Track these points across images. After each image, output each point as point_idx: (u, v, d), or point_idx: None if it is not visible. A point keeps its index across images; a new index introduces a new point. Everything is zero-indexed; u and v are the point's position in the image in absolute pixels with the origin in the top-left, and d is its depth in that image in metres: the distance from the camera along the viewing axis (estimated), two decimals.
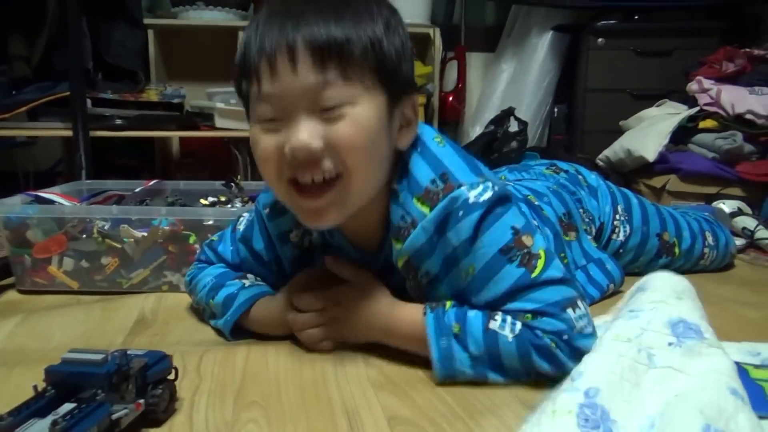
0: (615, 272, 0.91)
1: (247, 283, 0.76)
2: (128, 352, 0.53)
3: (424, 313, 0.62)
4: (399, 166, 0.65)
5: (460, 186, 0.61)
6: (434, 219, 0.61)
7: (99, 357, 0.50)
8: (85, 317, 0.84)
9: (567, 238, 0.88)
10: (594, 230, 0.97)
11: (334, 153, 0.58)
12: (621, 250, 1.00)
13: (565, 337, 0.58)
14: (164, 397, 0.53)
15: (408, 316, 0.64)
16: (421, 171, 0.64)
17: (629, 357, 0.51)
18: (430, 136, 0.67)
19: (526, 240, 0.62)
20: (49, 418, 0.45)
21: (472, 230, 0.61)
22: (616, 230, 0.99)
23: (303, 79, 0.56)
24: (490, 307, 0.61)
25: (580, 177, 1.01)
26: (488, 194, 0.61)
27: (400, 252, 0.65)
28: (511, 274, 0.60)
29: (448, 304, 0.64)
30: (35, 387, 0.49)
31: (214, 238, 0.84)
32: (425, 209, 0.62)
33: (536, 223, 0.80)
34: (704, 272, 1.08)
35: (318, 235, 0.73)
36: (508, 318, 0.60)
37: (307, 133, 0.57)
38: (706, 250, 1.06)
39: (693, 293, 0.61)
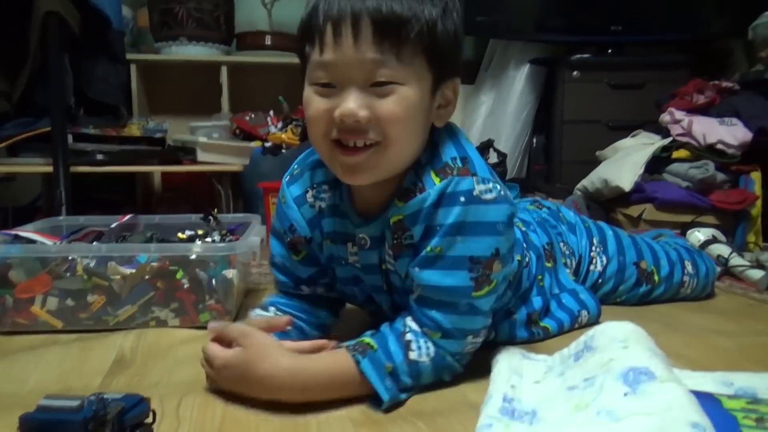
0: (589, 302, 0.93)
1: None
2: (105, 397, 0.52)
3: (357, 361, 0.64)
4: (429, 144, 0.70)
5: (473, 175, 0.66)
6: (439, 189, 0.66)
7: (75, 404, 0.49)
8: (62, 358, 0.82)
9: (547, 265, 0.92)
10: (574, 263, 1.00)
11: (377, 124, 0.63)
12: (600, 280, 1.03)
13: (458, 357, 0.70)
14: None
15: (329, 366, 0.65)
16: (447, 150, 0.69)
17: (591, 422, 0.53)
18: (462, 133, 0.73)
19: (496, 266, 0.68)
20: None
21: (461, 220, 0.65)
22: (593, 261, 1.02)
23: (362, 53, 0.61)
24: (421, 291, 0.68)
25: (560, 214, 1.06)
26: (490, 195, 0.66)
27: (399, 210, 0.69)
28: (461, 278, 0.66)
29: (369, 342, 0.66)
30: None
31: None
32: (437, 181, 0.67)
33: (524, 246, 0.86)
34: (686, 301, 1.10)
35: (329, 197, 0.76)
36: (422, 341, 0.67)
37: (356, 103, 0.62)
38: (686, 278, 1.09)
39: (637, 335, 0.65)
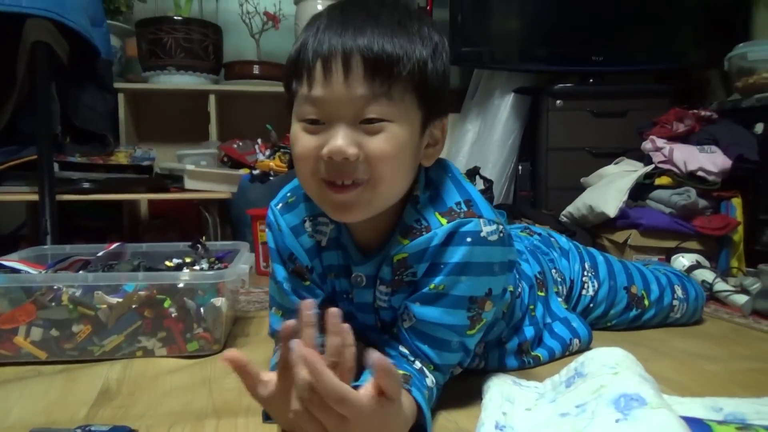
0: (581, 329, 0.94)
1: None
2: (92, 429, 0.51)
3: (408, 389, 0.61)
4: (425, 182, 0.70)
5: (480, 217, 0.67)
6: (447, 230, 0.66)
7: None
8: (46, 390, 0.81)
9: (540, 294, 0.93)
10: (565, 289, 1.01)
11: (366, 162, 0.62)
12: (591, 305, 1.04)
13: (443, 384, 0.71)
14: None
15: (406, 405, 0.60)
16: (450, 194, 0.70)
17: None
18: (457, 171, 0.74)
19: (487, 306, 0.69)
20: None
21: (466, 260, 0.65)
22: (585, 285, 1.03)
23: (352, 89, 0.60)
24: (416, 324, 0.68)
25: (552, 239, 1.07)
26: (495, 237, 0.67)
27: (403, 248, 0.68)
28: (459, 317, 0.68)
29: (403, 373, 0.65)
30: None
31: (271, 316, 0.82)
32: (443, 221, 0.67)
33: (517, 277, 0.86)
34: (676, 325, 1.11)
35: (330, 230, 0.75)
36: (425, 370, 0.68)
37: (345, 140, 0.61)
38: (676, 302, 1.10)
39: (627, 360, 0.66)
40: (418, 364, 0.68)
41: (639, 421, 0.54)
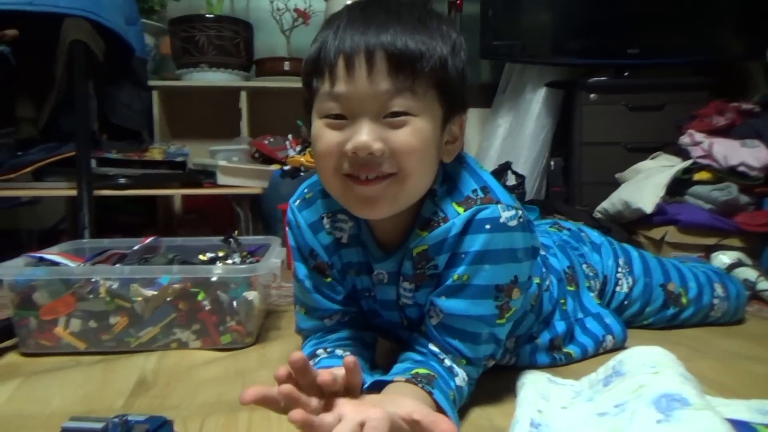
0: (615, 326, 0.91)
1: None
2: (129, 419, 0.52)
3: (430, 392, 0.61)
4: (443, 175, 0.70)
5: (498, 202, 0.66)
6: (465, 218, 0.65)
7: (99, 426, 0.49)
8: (85, 379, 0.82)
9: (570, 288, 0.91)
10: (598, 284, 0.98)
11: (392, 156, 0.62)
12: (626, 302, 1.01)
13: (476, 378, 0.70)
14: None
15: (413, 395, 0.60)
16: (466, 183, 0.69)
17: None
18: (474, 161, 0.73)
19: (515, 293, 0.68)
20: None
21: (486, 248, 0.65)
22: (620, 282, 1.00)
23: (376, 84, 0.60)
24: (444, 320, 0.67)
25: (582, 234, 1.04)
26: (515, 222, 0.66)
27: (422, 240, 0.68)
28: (486, 307, 0.67)
29: (428, 371, 0.64)
30: None
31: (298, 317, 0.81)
32: (460, 210, 0.67)
33: (544, 270, 0.85)
34: (717, 325, 1.08)
35: (349, 227, 0.74)
36: (456, 368, 0.67)
37: (370, 135, 0.60)
38: (716, 300, 1.06)
39: (668, 360, 0.64)
40: (448, 362, 0.67)
41: (682, 423, 0.52)
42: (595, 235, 1.06)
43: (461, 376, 0.67)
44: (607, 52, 2.20)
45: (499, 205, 0.66)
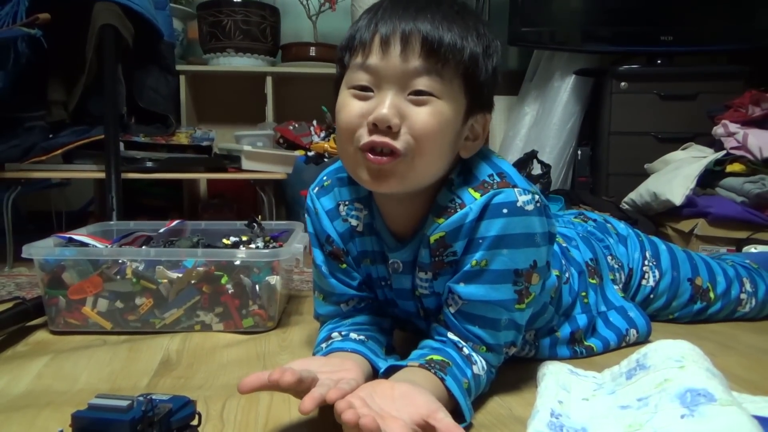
0: (638, 320, 0.90)
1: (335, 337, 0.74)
2: (153, 398, 0.53)
3: (441, 378, 0.61)
4: (460, 168, 0.70)
5: (514, 186, 0.66)
6: (481, 203, 0.65)
7: (125, 404, 0.50)
8: (111, 358, 0.84)
9: (592, 281, 0.89)
10: (623, 277, 0.97)
11: (410, 132, 0.63)
12: (652, 296, 1.00)
13: (499, 365, 0.70)
14: None
15: (424, 380, 0.61)
16: (482, 169, 0.69)
17: None
18: (493, 153, 0.73)
19: (534, 278, 0.68)
20: None
21: (504, 233, 0.64)
22: (645, 275, 0.99)
23: (407, 62, 0.62)
24: (463, 306, 0.67)
25: (608, 225, 1.03)
26: (531, 206, 0.65)
27: (439, 227, 0.67)
28: (505, 291, 0.66)
29: (443, 358, 0.64)
30: None
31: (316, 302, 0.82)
32: (476, 195, 0.66)
33: (563, 262, 0.83)
34: (743, 320, 1.05)
35: (364, 216, 0.75)
36: (475, 356, 0.67)
37: (392, 110, 0.62)
38: (744, 296, 1.04)
39: (694, 354, 0.63)
40: (466, 351, 0.67)
41: (707, 418, 0.51)
42: (621, 226, 1.04)
43: (480, 365, 0.66)
44: (639, 39, 2.15)
45: (515, 189, 0.65)
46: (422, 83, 0.62)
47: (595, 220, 1.04)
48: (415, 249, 0.71)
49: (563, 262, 0.84)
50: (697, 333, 0.97)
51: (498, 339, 0.68)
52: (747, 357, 0.87)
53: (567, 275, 0.84)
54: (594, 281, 0.90)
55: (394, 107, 0.62)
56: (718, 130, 1.72)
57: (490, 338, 0.67)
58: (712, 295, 1.02)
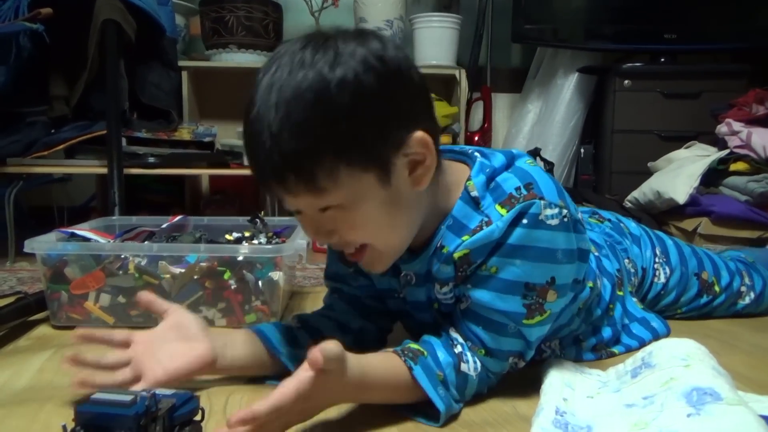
0: (661, 329, 0.90)
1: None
2: (156, 393, 0.52)
3: (410, 367, 0.61)
4: (486, 179, 0.66)
5: (541, 198, 0.63)
6: (508, 219, 0.62)
7: (128, 398, 0.50)
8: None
9: (619, 293, 0.88)
10: (637, 280, 0.96)
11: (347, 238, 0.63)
12: (662, 292, 1.00)
13: (500, 375, 0.68)
14: None
15: (382, 369, 0.61)
16: (509, 181, 0.65)
17: None
18: (523, 159, 0.69)
19: (550, 296, 0.65)
20: None
21: (520, 243, 0.62)
22: (657, 273, 0.99)
23: (295, 198, 0.59)
24: (470, 305, 0.66)
25: (622, 225, 1.01)
26: (556, 221, 0.63)
27: (463, 244, 0.64)
28: (513, 303, 0.64)
29: (419, 348, 0.64)
30: (64, 427, 0.49)
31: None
32: (503, 211, 0.63)
33: (597, 273, 0.81)
34: (741, 316, 1.05)
35: None
36: (469, 355, 0.65)
37: (315, 232, 0.63)
38: (743, 288, 1.05)
39: (700, 353, 0.62)
40: (459, 348, 0.65)
41: (713, 417, 0.51)
42: (633, 225, 1.03)
43: (471, 365, 0.65)
44: (643, 37, 2.15)
45: (541, 201, 0.63)
46: (321, 203, 0.59)
47: (609, 220, 1.02)
48: (427, 261, 0.69)
49: (597, 272, 0.81)
50: (701, 331, 0.96)
51: (500, 344, 0.66)
52: (752, 356, 0.86)
53: (599, 286, 0.81)
54: (620, 293, 0.88)
55: (317, 229, 0.62)
56: (721, 128, 1.71)
57: (491, 342, 0.65)
58: (717, 288, 1.02)
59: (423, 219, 0.67)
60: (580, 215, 0.70)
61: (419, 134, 0.61)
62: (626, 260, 0.94)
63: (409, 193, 0.63)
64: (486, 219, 0.64)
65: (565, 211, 0.64)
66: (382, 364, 0.62)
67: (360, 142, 0.57)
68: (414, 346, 0.65)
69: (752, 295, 1.05)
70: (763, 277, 1.08)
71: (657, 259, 0.99)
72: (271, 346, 0.71)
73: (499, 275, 0.63)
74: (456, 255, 0.65)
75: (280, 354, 0.71)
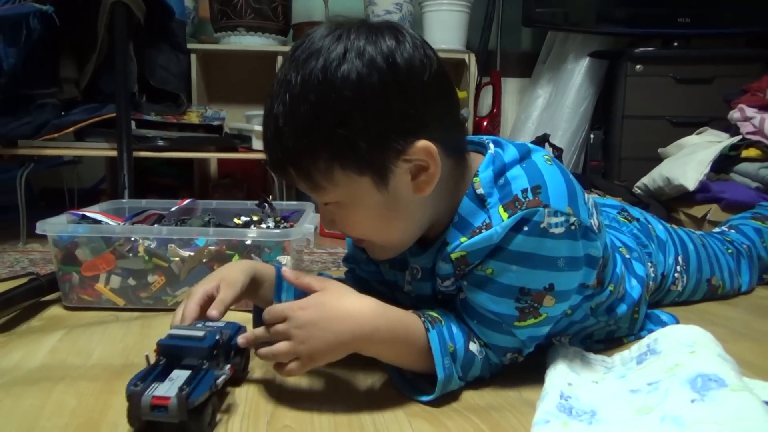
0: (670, 321, 0.89)
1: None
2: (220, 327, 0.62)
3: (426, 329, 0.62)
4: (495, 173, 0.64)
5: (545, 206, 0.60)
6: (507, 225, 0.60)
7: (200, 333, 0.60)
8: (124, 334, 0.85)
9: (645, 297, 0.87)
10: (655, 285, 0.95)
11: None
12: (676, 299, 1.02)
13: (500, 366, 0.69)
14: (243, 361, 0.67)
15: (407, 321, 0.62)
16: (518, 180, 0.63)
17: (655, 427, 0.51)
18: (540, 155, 0.66)
19: (547, 301, 0.63)
20: (173, 384, 0.53)
21: (519, 250, 0.61)
22: (676, 282, 0.99)
23: (298, 184, 0.63)
24: (468, 299, 0.66)
25: (650, 227, 0.99)
26: (560, 229, 0.61)
27: (461, 246, 0.63)
28: (506, 306, 0.64)
29: (438, 316, 0.65)
30: (147, 357, 0.59)
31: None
32: (505, 216, 0.61)
33: (622, 276, 0.78)
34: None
35: None
36: (475, 338, 0.66)
37: (321, 218, 0.68)
38: (736, 287, 1.10)
39: (705, 339, 0.62)
40: (468, 329, 0.66)
41: (717, 404, 0.51)
42: (660, 228, 1.00)
43: (477, 347, 0.65)
44: (656, 21, 2.11)
45: (546, 210, 0.60)
46: (322, 197, 0.63)
47: (638, 220, 0.99)
48: (434, 256, 0.69)
49: (623, 275, 0.79)
50: (708, 319, 0.96)
51: (492, 339, 0.66)
52: (758, 343, 0.86)
53: (622, 289, 0.79)
54: (647, 297, 0.87)
55: (322, 216, 0.67)
56: (734, 114, 1.69)
57: (484, 337, 0.66)
58: (720, 291, 1.07)
59: (435, 216, 0.66)
60: (595, 220, 0.67)
61: (422, 143, 0.59)
62: (649, 263, 0.92)
63: (410, 197, 0.62)
64: (487, 221, 0.62)
65: (573, 219, 0.62)
66: (403, 314, 0.63)
67: (355, 148, 0.57)
68: (433, 313, 0.65)
69: (736, 290, 1.10)
70: (750, 272, 1.11)
71: (678, 268, 0.98)
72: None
73: (494, 278, 0.62)
74: (453, 255, 0.64)
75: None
